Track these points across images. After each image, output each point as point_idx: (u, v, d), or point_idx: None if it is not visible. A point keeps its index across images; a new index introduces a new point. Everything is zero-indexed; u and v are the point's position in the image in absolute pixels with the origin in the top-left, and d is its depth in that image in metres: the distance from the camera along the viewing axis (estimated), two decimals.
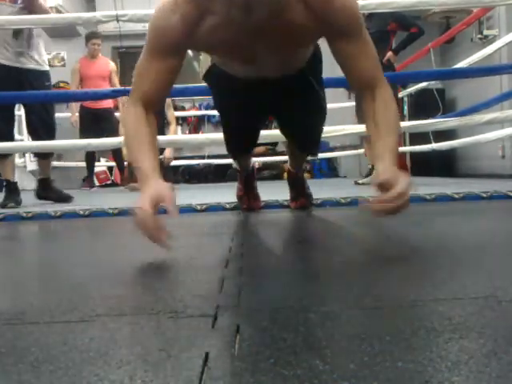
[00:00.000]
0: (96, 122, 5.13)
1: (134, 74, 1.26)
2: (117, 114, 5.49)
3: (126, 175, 5.42)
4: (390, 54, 3.98)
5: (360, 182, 4.29)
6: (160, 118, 4.73)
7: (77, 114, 5.43)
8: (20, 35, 3.12)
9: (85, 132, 5.11)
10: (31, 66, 3.21)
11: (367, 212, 1.05)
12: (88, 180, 5.78)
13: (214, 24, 1.16)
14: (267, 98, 1.63)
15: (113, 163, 6.67)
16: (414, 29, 4.02)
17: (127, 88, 3.90)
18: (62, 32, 6.55)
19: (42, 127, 3.25)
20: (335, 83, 2.71)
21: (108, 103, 5.29)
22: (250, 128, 1.83)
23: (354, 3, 1.23)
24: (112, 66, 5.50)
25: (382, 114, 1.22)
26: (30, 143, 2.96)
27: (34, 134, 3.21)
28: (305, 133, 1.79)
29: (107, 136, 4.25)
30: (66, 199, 3.26)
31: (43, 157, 3.36)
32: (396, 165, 1.15)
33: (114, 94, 3.60)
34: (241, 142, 1.86)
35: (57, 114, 5.18)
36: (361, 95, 1.29)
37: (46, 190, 3.34)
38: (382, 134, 1.21)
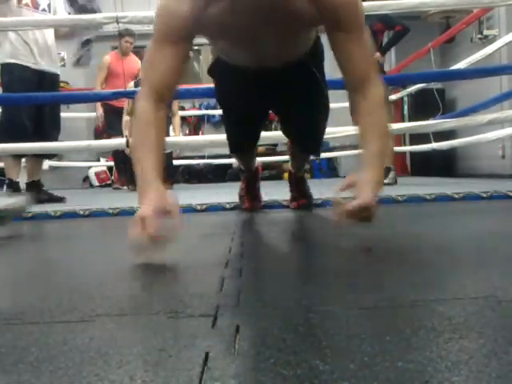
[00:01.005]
0: (119, 119, 5.06)
1: (144, 64, 1.27)
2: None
3: (117, 176, 5.42)
4: (377, 54, 3.97)
5: None
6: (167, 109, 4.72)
7: (101, 112, 5.27)
8: None
9: (109, 128, 5.09)
10: (51, 68, 3.30)
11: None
12: (122, 178, 5.54)
13: (220, 9, 1.19)
14: (269, 89, 1.62)
15: (113, 163, 6.67)
16: (398, 27, 4.03)
17: (128, 90, 3.90)
18: (61, 32, 6.54)
19: (54, 129, 3.33)
20: (337, 85, 2.71)
21: None
22: (252, 122, 1.81)
23: (357, 1, 1.24)
24: (140, 64, 5.40)
25: (369, 117, 1.22)
26: (33, 145, 2.98)
27: (45, 135, 3.25)
28: (306, 130, 1.77)
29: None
30: (59, 201, 3.29)
31: (41, 157, 3.40)
32: (379, 172, 1.18)
33: (114, 96, 3.60)
34: (242, 138, 1.85)
35: None
36: (354, 96, 1.28)
37: (36, 192, 3.37)
38: (367, 139, 1.21)
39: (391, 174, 4.23)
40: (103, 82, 5.27)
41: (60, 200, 3.30)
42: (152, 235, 0.99)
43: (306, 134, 1.80)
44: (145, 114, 1.18)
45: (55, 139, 3.32)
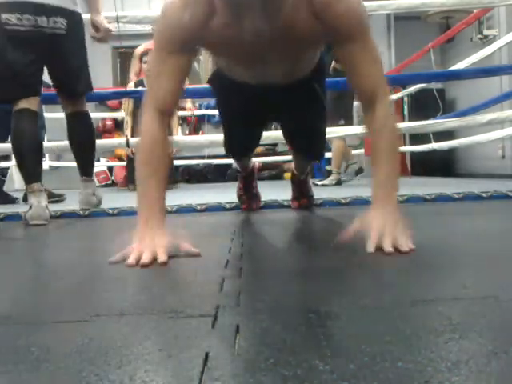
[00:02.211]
0: None
1: (149, 77, 1.25)
2: (119, 114, 5.41)
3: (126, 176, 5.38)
4: (333, 63, 3.98)
5: (319, 183, 4.30)
6: None
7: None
8: None
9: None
10: None
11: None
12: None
13: (222, 25, 1.15)
14: (269, 101, 1.63)
15: (113, 163, 6.67)
16: None
17: (128, 90, 3.91)
18: None
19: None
20: (338, 85, 2.72)
21: None
22: (251, 132, 1.83)
23: (359, 7, 1.18)
24: None
25: (378, 137, 1.19)
26: None
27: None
28: (306, 139, 1.80)
29: None
30: (58, 197, 3.33)
31: None
32: (391, 197, 1.13)
33: (114, 96, 3.60)
34: (241, 145, 1.87)
35: (57, 115, 5.19)
36: (363, 108, 1.25)
37: None
38: (377, 162, 1.18)
39: (333, 176, 4.32)
40: (137, 73, 5.16)
41: (59, 197, 3.34)
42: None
43: (307, 143, 1.83)
44: (152, 133, 1.18)
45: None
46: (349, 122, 4.01)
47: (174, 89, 1.21)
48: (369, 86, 1.20)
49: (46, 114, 3.84)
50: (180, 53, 1.18)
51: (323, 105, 1.73)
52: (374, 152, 1.21)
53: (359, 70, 1.20)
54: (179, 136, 5.13)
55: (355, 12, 1.16)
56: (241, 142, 1.85)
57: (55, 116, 5.08)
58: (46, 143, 3.15)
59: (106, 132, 7.26)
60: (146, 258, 1.01)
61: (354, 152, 5.89)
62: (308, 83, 1.59)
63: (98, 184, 6.93)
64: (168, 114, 1.23)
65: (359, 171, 4.44)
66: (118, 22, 2.91)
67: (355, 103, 4.17)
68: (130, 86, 4.81)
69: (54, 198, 3.33)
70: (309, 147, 1.85)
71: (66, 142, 3.47)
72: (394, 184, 1.18)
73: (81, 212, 2.26)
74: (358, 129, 3.09)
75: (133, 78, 5.10)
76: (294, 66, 1.45)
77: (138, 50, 5.20)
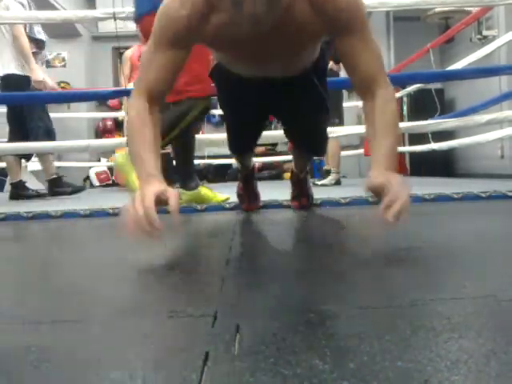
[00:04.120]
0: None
1: (142, 65, 1.28)
2: (119, 114, 5.41)
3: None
4: (331, 63, 4.01)
5: (319, 183, 4.30)
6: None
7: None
8: None
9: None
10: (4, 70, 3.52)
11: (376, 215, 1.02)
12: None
13: (221, 22, 1.17)
14: (270, 97, 1.64)
15: (113, 163, 6.65)
16: None
17: (128, 88, 3.88)
18: (62, 32, 6.55)
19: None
20: (336, 84, 2.73)
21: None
22: (252, 126, 1.84)
23: (359, 3, 1.22)
24: None
25: (380, 114, 1.21)
26: (31, 144, 3.02)
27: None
28: (308, 133, 1.80)
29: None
30: (80, 190, 3.64)
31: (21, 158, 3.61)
32: (392, 168, 1.13)
33: (115, 95, 3.59)
34: (242, 140, 1.88)
35: (58, 115, 5.19)
36: (364, 98, 1.27)
37: (22, 190, 3.57)
38: (378, 135, 1.20)
39: (332, 176, 4.34)
40: (128, 75, 5.11)
41: (81, 189, 3.53)
42: (149, 222, 0.97)
43: (307, 138, 1.83)
44: (139, 110, 1.20)
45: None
46: (341, 121, 4.06)
47: (166, 78, 1.23)
48: (369, 73, 1.22)
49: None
50: (174, 46, 1.20)
51: (324, 100, 1.72)
52: (373, 128, 1.20)
53: (359, 60, 1.22)
54: None
55: (355, 5, 1.19)
56: (242, 136, 1.86)
57: (55, 116, 5.09)
58: (46, 143, 3.15)
59: (107, 132, 7.26)
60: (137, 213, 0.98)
61: (352, 152, 5.90)
62: (307, 77, 1.60)
63: (98, 184, 6.96)
64: (156, 101, 1.23)
65: (337, 182, 4.44)
66: (115, 19, 2.87)
67: (354, 104, 4.18)
68: (132, 86, 4.78)
69: (76, 189, 3.51)
70: (310, 142, 1.85)
71: (66, 142, 3.49)
72: (394, 160, 1.18)
73: (81, 212, 2.25)
74: (357, 129, 3.09)
75: (124, 82, 5.01)
76: (293, 60, 1.46)
77: (128, 54, 5.16)
